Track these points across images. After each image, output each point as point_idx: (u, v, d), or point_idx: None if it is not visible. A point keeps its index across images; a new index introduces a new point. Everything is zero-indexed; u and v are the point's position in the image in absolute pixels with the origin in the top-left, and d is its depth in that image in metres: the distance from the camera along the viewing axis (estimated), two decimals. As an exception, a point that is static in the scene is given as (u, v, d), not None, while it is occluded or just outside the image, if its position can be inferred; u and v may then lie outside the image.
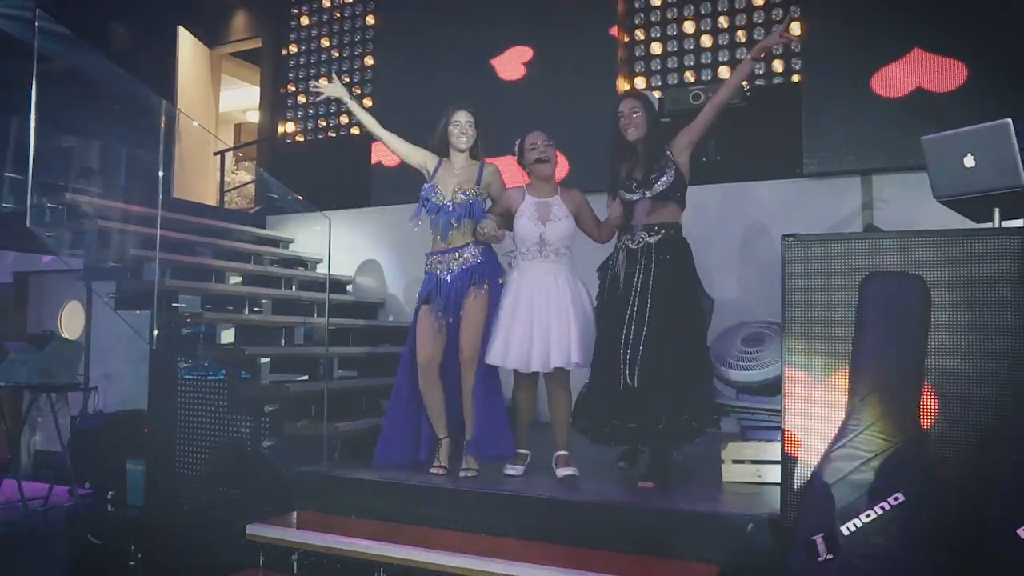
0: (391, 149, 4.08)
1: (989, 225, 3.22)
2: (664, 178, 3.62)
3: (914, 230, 2.94)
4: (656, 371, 3.42)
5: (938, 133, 3.31)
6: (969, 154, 3.12)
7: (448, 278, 3.89)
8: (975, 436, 2.66)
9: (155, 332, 4.44)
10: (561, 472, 3.67)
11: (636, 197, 3.66)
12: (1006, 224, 3.21)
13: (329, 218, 4.61)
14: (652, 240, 3.61)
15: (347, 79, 6.92)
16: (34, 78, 5.08)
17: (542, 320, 3.69)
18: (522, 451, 3.87)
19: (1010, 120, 3.13)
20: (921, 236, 2.86)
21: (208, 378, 4.51)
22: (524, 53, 6.12)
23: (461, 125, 3.93)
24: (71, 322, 7.38)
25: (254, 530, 3.58)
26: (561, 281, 3.76)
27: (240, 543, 3.61)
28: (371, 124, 4.09)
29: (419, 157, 4.03)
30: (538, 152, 3.84)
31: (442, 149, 4.00)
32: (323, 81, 4.13)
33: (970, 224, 3.55)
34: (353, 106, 4.12)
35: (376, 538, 3.38)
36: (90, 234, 4.87)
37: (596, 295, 3.81)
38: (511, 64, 6.16)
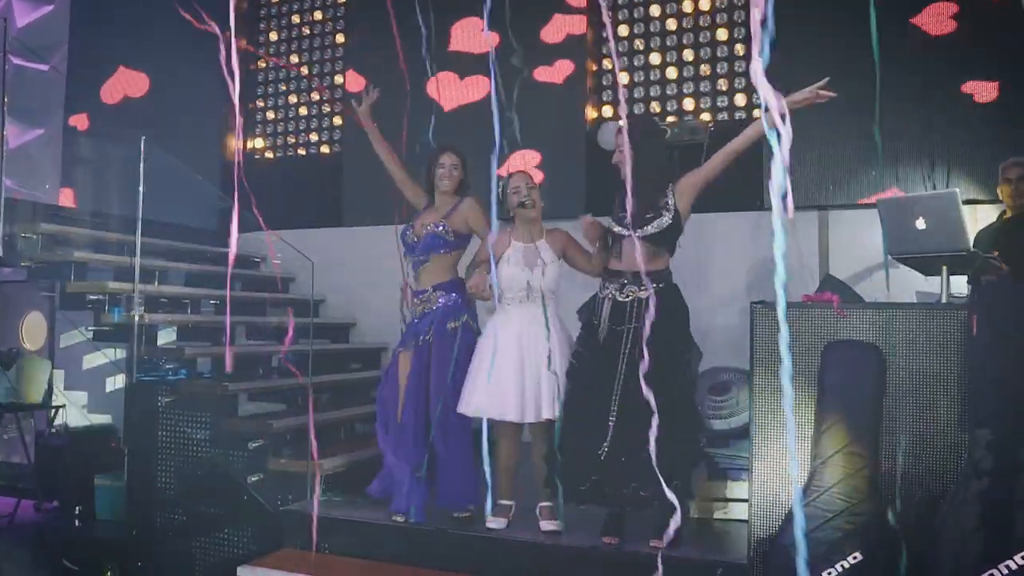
0: (392, 175, 4.06)
1: (937, 278, 3.49)
2: (659, 220, 3.44)
3: (872, 302, 3.18)
4: (641, 437, 3.15)
5: (893, 196, 3.58)
6: (921, 217, 3.37)
7: (416, 321, 3.90)
8: (927, 496, 2.92)
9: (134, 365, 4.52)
10: (545, 526, 3.63)
11: (625, 233, 3.48)
12: (952, 279, 3.50)
13: (312, 260, 4.67)
14: (643, 295, 3.40)
15: (316, 96, 6.95)
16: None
17: (532, 368, 3.59)
18: (505, 502, 3.75)
19: (957, 190, 3.40)
20: (878, 307, 3.10)
21: (168, 378, 4.56)
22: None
23: (446, 168, 3.90)
24: (32, 334, 7.27)
25: (245, 573, 3.66)
26: (549, 327, 3.56)
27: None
28: (380, 146, 4.05)
29: (411, 193, 4.05)
30: (520, 196, 3.72)
31: (430, 191, 3.99)
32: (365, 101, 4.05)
33: (919, 276, 3.84)
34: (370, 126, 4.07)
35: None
36: (64, 265, 4.90)
37: (576, 338, 3.66)
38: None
